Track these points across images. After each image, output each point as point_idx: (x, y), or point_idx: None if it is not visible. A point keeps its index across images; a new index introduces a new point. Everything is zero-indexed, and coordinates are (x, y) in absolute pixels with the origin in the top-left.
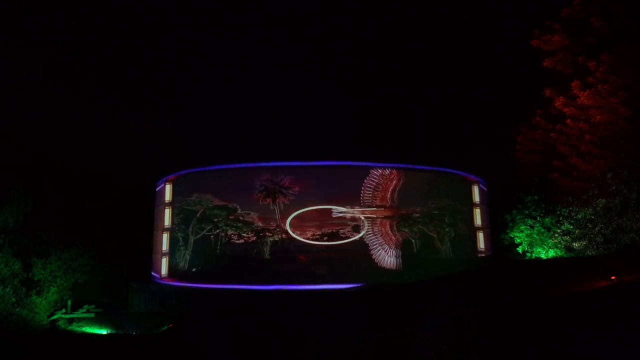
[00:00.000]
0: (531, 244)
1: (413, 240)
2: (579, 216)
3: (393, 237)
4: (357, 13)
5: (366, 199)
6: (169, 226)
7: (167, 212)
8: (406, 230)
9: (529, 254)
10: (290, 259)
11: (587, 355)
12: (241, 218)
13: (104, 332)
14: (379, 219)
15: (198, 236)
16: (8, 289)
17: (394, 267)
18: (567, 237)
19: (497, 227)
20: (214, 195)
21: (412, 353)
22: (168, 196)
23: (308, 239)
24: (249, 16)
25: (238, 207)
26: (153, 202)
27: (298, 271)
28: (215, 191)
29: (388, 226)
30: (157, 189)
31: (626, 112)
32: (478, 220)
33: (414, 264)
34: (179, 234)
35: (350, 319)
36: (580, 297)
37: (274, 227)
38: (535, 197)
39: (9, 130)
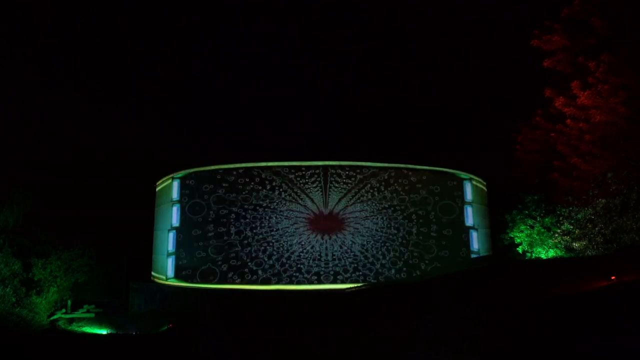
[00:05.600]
0: (531, 244)
1: (411, 241)
2: (579, 216)
3: None
4: (357, 13)
5: None
6: (173, 226)
7: (168, 212)
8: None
9: (529, 254)
10: None
11: (587, 355)
12: None
13: (104, 332)
14: None
15: (197, 236)
16: (8, 289)
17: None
18: (567, 237)
19: (497, 227)
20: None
21: (412, 353)
22: (169, 195)
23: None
24: (249, 16)
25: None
26: (153, 202)
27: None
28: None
29: None
30: (157, 189)
31: (626, 112)
32: (478, 220)
33: (413, 264)
34: (180, 233)
35: (350, 319)
36: (580, 297)
37: None
38: (535, 197)
39: (9, 130)
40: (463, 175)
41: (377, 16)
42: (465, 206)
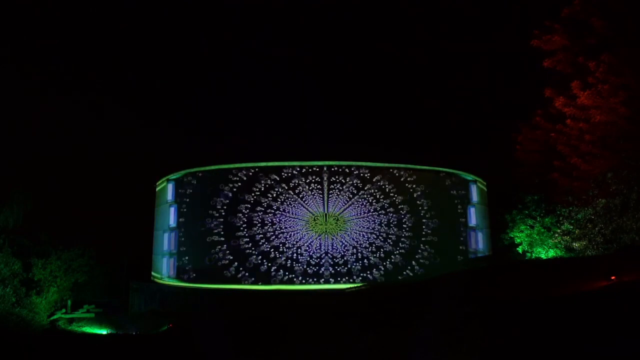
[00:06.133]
0: (531, 244)
1: (412, 241)
2: (579, 216)
3: None
4: (357, 13)
5: None
6: (170, 226)
7: (168, 212)
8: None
9: (529, 254)
10: None
11: (587, 355)
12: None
13: (104, 332)
14: None
15: (198, 236)
16: (8, 289)
17: None
18: (567, 237)
19: (497, 227)
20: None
21: (412, 353)
22: (169, 196)
23: None
24: (249, 16)
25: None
26: (153, 202)
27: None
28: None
29: None
30: (156, 189)
31: (626, 112)
32: (478, 220)
33: (413, 264)
34: (177, 234)
35: (350, 319)
36: (580, 297)
37: None
38: (535, 197)
39: (10, 130)
40: (466, 176)
41: (377, 16)
42: (469, 207)
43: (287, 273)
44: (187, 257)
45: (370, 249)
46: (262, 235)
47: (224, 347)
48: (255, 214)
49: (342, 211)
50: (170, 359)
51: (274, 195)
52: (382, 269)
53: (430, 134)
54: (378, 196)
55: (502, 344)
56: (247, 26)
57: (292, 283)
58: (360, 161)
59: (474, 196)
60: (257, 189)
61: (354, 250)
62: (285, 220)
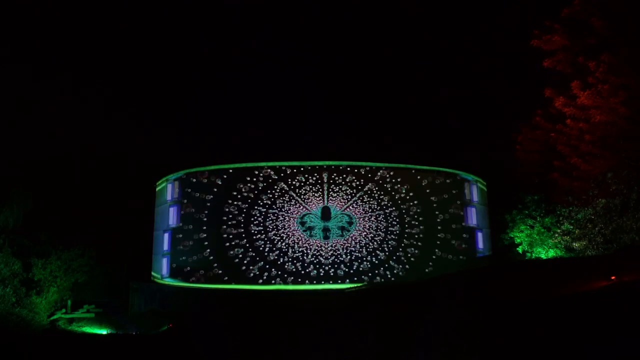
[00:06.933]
0: (531, 244)
1: (412, 241)
2: (579, 216)
3: None
4: (357, 13)
5: None
6: (170, 226)
7: (168, 212)
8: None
9: (529, 254)
10: None
11: (587, 355)
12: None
13: (104, 332)
14: None
15: (198, 236)
16: (8, 289)
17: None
18: (567, 237)
19: (497, 227)
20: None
21: (412, 353)
22: (169, 196)
23: None
24: (248, 15)
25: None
26: (153, 202)
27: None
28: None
29: None
30: (156, 189)
31: (626, 112)
32: (478, 220)
33: (413, 265)
34: (177, 234)
35: (350, 319)
36: (580, 297)
37: None
38: (535, 197)
39: (10, 130)
40: (467, 176)
41: (377, 16)
42: (469, 207)
43: (286, 273)
44: (187, 257)
45: (369, 249)
46: (261, 235)
47: (224, 347)
48: (255, 214)
49: (343, 211)
50: (170, 359)
51: (274, 194)
52: (382, 268)
53: (430, 134)
54: (378, 196)
55: (502, 344)
56: (247, 26)
57: (292, 283)
58: (360, 161)
59: (474, 196)
60: (257, 189)
61: (354, 250)
62: (285, 220)
